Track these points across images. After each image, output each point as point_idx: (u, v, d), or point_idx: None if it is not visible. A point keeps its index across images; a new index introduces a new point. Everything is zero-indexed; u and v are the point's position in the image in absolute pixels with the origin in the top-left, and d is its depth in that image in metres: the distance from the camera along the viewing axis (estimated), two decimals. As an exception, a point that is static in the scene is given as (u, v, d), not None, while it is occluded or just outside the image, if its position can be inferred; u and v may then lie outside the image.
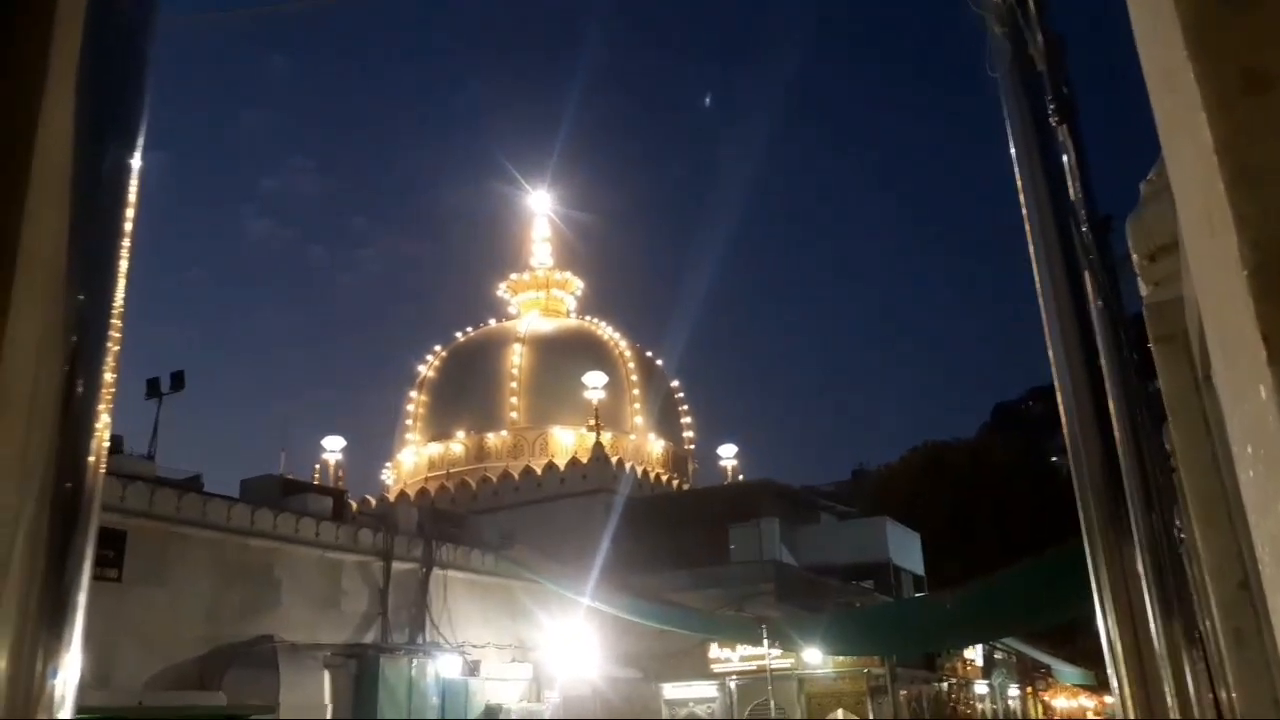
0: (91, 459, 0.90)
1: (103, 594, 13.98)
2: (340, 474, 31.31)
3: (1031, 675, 33.74)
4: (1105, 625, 3.16)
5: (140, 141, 0.94)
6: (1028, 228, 3.38)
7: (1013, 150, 3.53)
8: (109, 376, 0.93)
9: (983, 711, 27.70)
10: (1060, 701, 34.56)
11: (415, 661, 18.71)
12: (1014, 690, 32.22)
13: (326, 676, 16.09)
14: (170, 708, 12.45)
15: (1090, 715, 33.44)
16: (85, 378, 0.87)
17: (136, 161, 0.94)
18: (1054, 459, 70.37)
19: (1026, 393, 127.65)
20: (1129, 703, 2.93)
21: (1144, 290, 3.14)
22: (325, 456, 32.65)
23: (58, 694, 0.74)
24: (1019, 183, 3.48)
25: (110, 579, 14.27)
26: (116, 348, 0.95)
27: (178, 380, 22.14)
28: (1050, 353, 3.45)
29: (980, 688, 28.40)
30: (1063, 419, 3.57)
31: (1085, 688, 33.84)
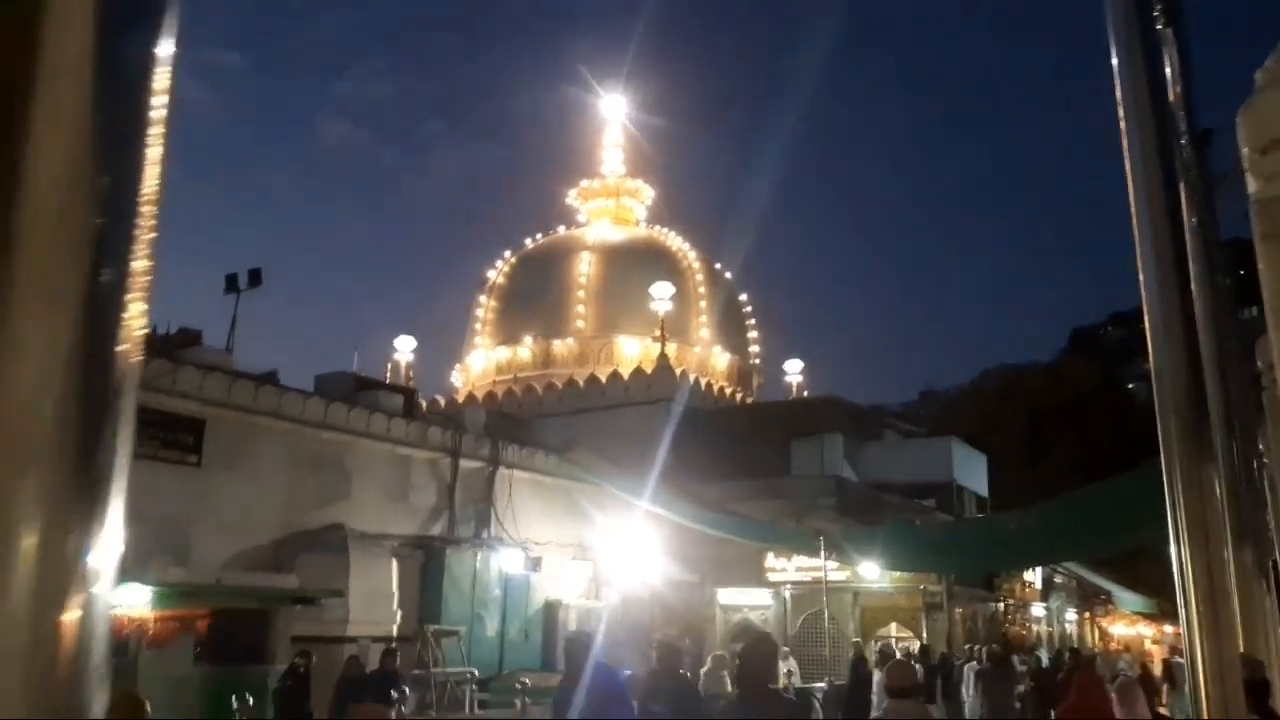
0: (123, 347, 0.87)
1: (182, 478, 14.65)
2: (410, 374, 31.97)
3: (1090, 601, 33.54)
4: (1177, 551, 3.08)
5: (170, 26, 0.89)
6: (1124, 140, 3.18)
7: (1114, 58, 3.31)
8: (141, 264, 0.89)
9: (1038, 634, 27.68)
10: (1118, 628, 34.43)
11: (480, 555, 19.32)
12: (1071, 614, 32.10)
13: (394, 565, 16.69)
14: (245, 587, 13.07)
15: (1148, 643, 33.22)
16: (111, 263, 0.84)
17: (166, 48, 0.89)
18: (1131, 385, 68.88)
19: (1106, 318, 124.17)
20: (1196, 631, 2.85)
21: (1252, 187, 2.95)
22: (396, 356, 33.36)
23: (91, 570, 0.74)
24: (1118, 92, 3.27)
25: (190, 464, 14.90)
26: (150, 234, 0.91)
27: (255, 277, 22.63)
28: (1140, 270, 3.29)
29: (1037, 610, 28.37)
30: (1148, 336, 3.43)
31: (1145, 615, 33.60)
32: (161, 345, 15.89)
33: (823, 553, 17.83)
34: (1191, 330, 3.26)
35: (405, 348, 33.10)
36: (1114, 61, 3.36)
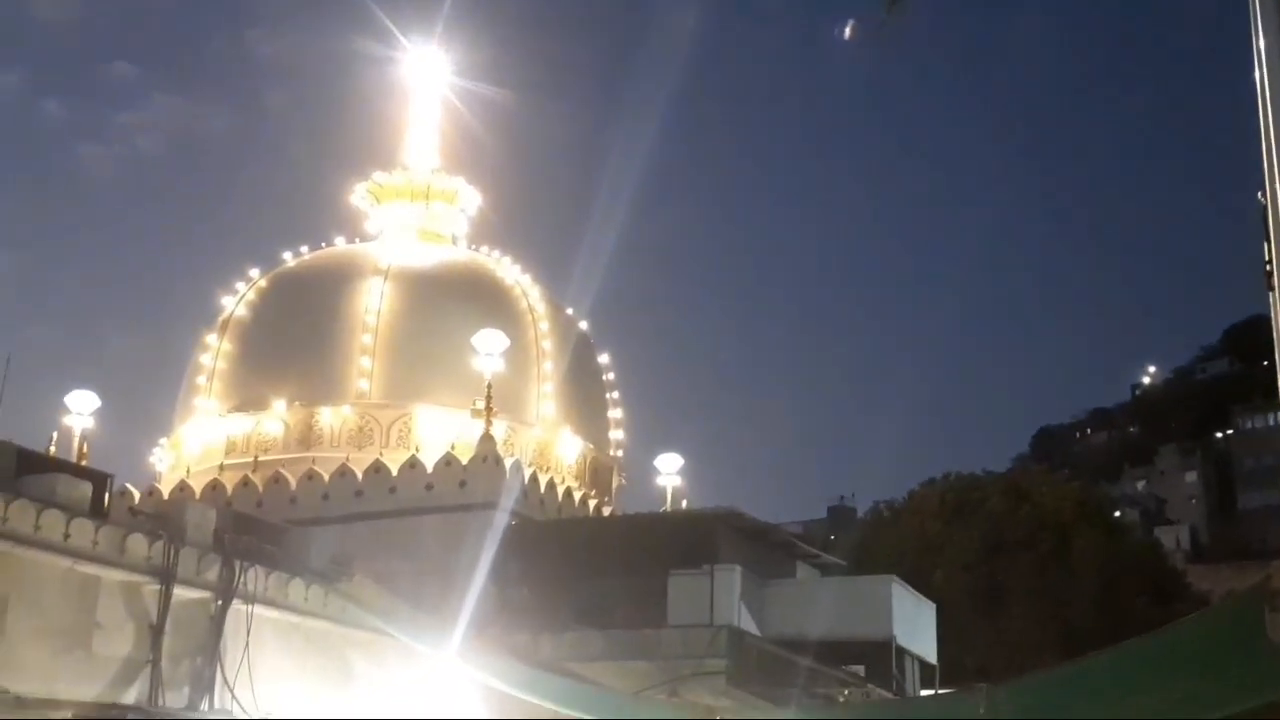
0: None
1: None
2: (84, 449, 30.61)
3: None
4: None
5: None
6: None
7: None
8: None
9: None
10: None
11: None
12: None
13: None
14: None
15: None
16: None
17: None
18: (1118, 512, 72.82)
19: (1084, 415, 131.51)
20: None
21: None
22: (69, 420, 31.88)
23: None
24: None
25: None
26: None
27: None
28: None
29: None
30: None
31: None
32: None
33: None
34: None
35: (83, 407, 31.68)
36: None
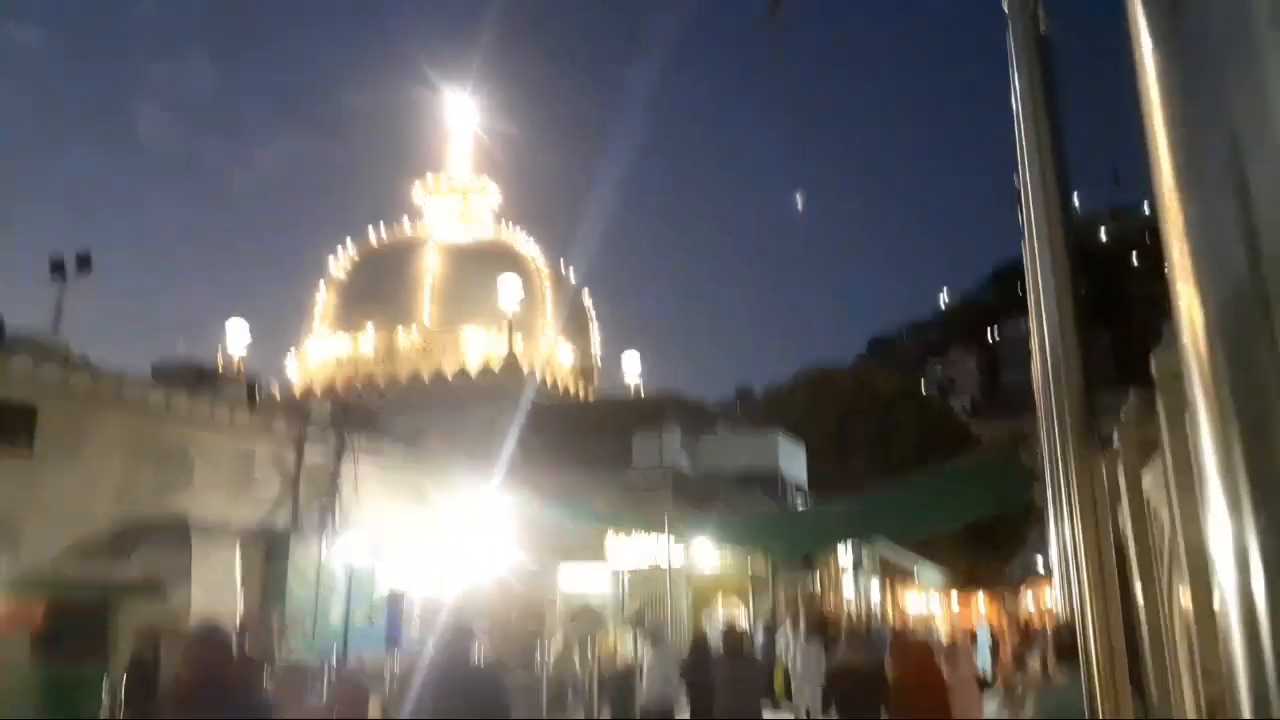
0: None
1: (13, 468, 13.40)
2: (241, 363, 30.36)
3: (892, 576, 35.76)
4: (1063, 529, 3.33)
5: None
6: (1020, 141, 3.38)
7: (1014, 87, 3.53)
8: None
9: (847, 605, 29.14)
10: (912, 600, 36.72)
11: (324, 545, 18.59)
12: (875, 587, 34.10)
13: (238, 555, 15.83)
14: (83, 578, 12.07)
15: (935, 612, 35.50)
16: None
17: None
18: (925, 393, 73.59)
19: (903, 327, 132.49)
20: (1089, 600, 2.99)
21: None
22: (229, 341, 31.60)
23: None
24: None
25: (20, 455, 13.63)
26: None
27: (84, 262, 20.93)
28: (1030, 264, 3.52)
29: (847, 585, 29.94)
30: (1036, 334, 3.68)
31: (938, 588, 36.18)
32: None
33: (666, 532, 18.19)
34: (1081, 329, 3.54)
35: (238, 332, 31.41)
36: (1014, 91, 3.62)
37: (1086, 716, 2.18)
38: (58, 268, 20.75)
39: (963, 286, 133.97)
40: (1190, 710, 3.80)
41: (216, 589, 14.94)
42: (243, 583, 15.74)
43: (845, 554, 29.19)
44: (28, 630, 10.86)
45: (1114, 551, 3.28)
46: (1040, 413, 6.50)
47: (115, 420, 15.33)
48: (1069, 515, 3.33)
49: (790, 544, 21.35)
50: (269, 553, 17.44)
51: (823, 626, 17.68)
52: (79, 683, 10.66)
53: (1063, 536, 3.83)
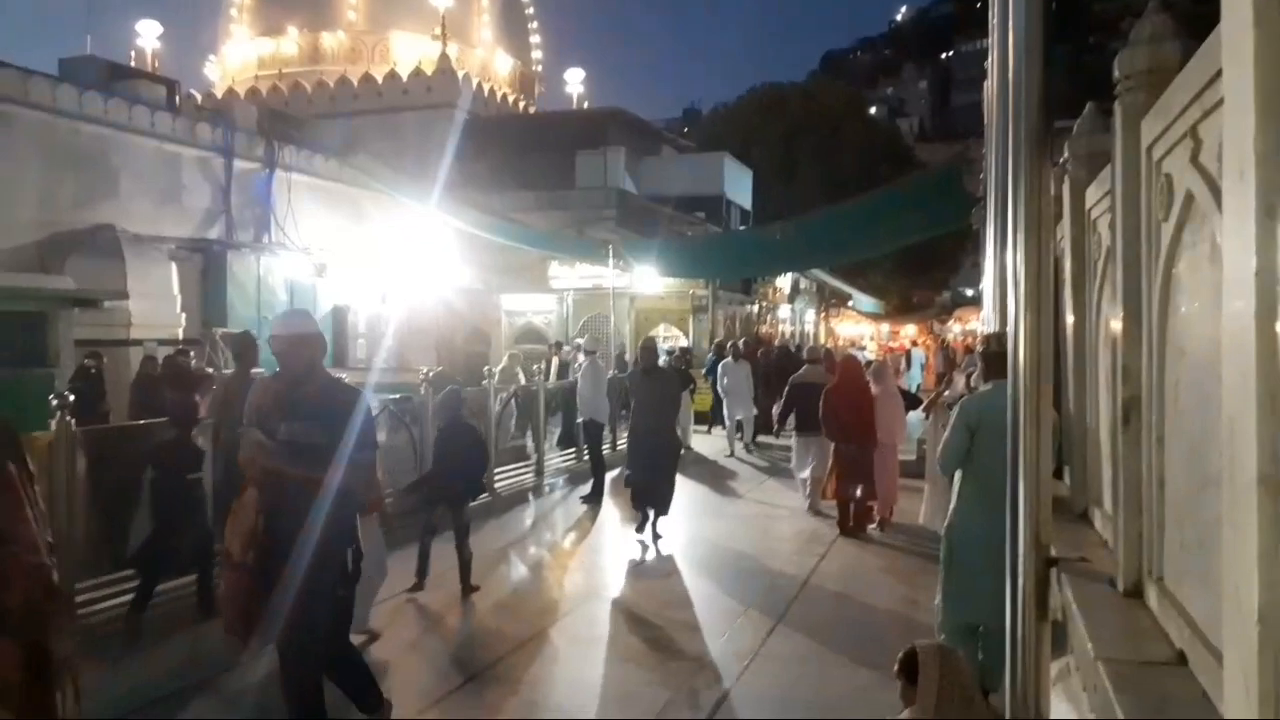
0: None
1: (-82, 170, 12.80)
2: (156, 64, 28.51)
3: (827, 304, 37.17)
4: (1004, 242, 3.48)
5: None
6: None
7: None
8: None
9: (782, 331, 30.50)
10: (844, 328, 38.52)
11: (262, 259, 18.53)
12: (810, 315, 35.53)
13: (174, 268, 15.73)
14: (20, 288, 11.96)
15: (867, 339, 37.39)
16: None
17: None
18: (874, 109, 72.55)
19: (856, 43, 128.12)
20: (1024, 311, 3.08)
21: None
22: (139, 43, 29.50)
23: None
24: None
25: (-75, 155, 12.97)
26: None
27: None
28: None
29: (784, 311, 31.13)
30: (994, 38, 3.64)
31: (871, 315, 37.80)
32: None
33: (610, 261, 18.43)
34: (1047, 42, 3.51)
35: (150, 33, 29.30)
36: None
37: (1008, 420, 2.41)
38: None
39: (919, 0, 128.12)
40: (1105, 416, 4.22)
41: (154, 301, 14.95)
42: (180, 295, 15.73)
43: (784, 281, 30.11)
44: (-36, 340, 10.88)
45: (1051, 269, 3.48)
46: (991, 130, 6.56)
47: (27, 121, 14.54)
48: (1012, 233, 3.48)
49: (730, 269, 21.85)
50: (205, 267, 17.34)
51: (753, 350, 18.68)
52: (24, 393, 10.83)
53: (1002, 257, 4.01)
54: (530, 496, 11.52)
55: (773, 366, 17.19)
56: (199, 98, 26.74)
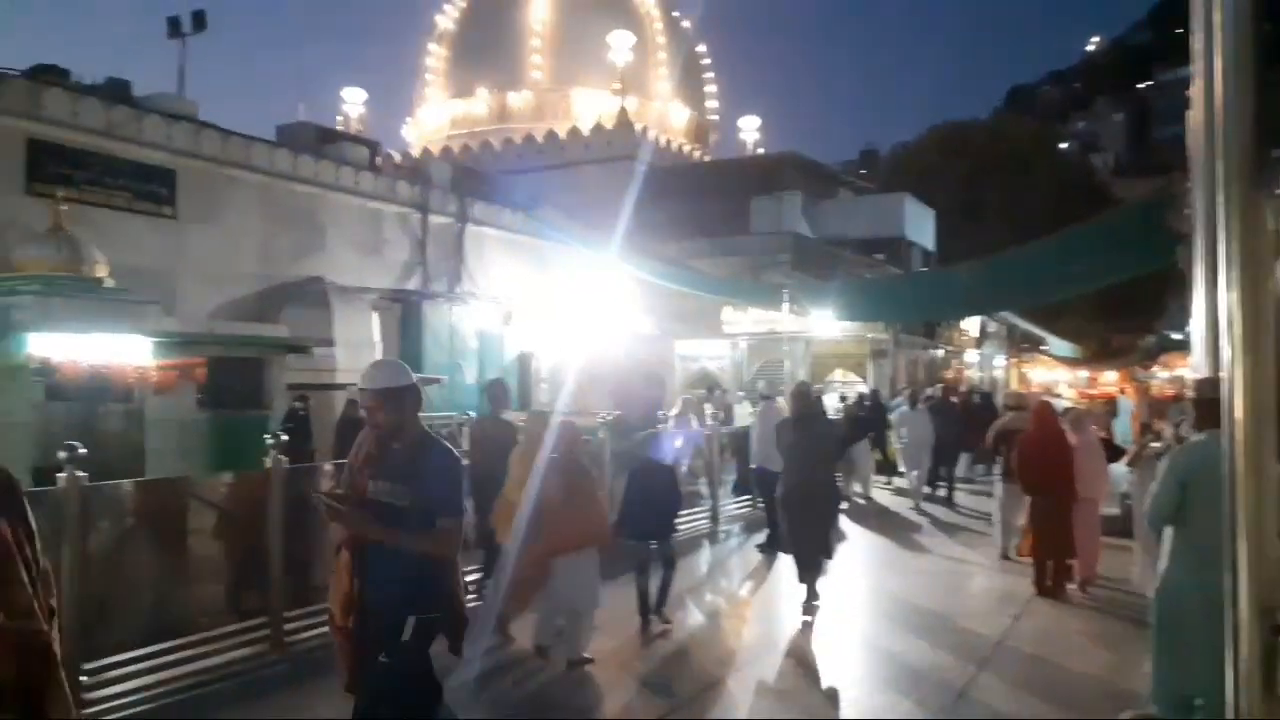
0: None
1: (160, 230, 14.39)
2: (361, 126, 30.92)
3: (1018, 348, 35.43)
4: (1214, 282, 3.25)
5: None
6: None
7: None
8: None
9: (968, 376, 29.32)
10: (1037, 373, 36.53)
11: (454, 308, 19.55)
12: (999, 359, 33.96)
13: (375, 317, 16.85)
14: (243, 336, 13.15)
15: (1063, 385, 35.31)
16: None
17: None
18: (1065, 144, 69.34)
19: (1044, 76, 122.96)
20: (1238, 366, 2.89)
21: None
22: (346, 109, 32.12)
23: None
24: None
25: (166, 216, 14.57)
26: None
27: (199, 20, 21.24)
28: None
29: (970, 356, 29.93)
30: (1197, 64, 3.44)
31: (1067, 361, 35.72)
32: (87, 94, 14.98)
33: (785, 304, 18.35)
34: (1260, 65, 3.29)
35: (356, 100, 31.86)
36: None
37: (1224, 473, 2.25)
38: (175, 27, 21.15)
39: (1112, 30, 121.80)
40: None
41: (357, 348, 16.05)
42: (381, 342, 16.81)
43: (971, 324, 28.97)
44: (194, 385, 12.03)
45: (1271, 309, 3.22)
46: (1196, 162, 6.13)
47: (249, 183, 16.08)
48: (1224, 271, 3.26)
49: (912, 311, 21.24)
50: (403, 316, 18.47)
51: (946, 397, 17.91)
52: (242, 432, 11.83)
53: (1212, 297, 3.75)
54: (706, 542, 11.52)
55: (973, 414, 16.62)
56: (398, 157, 28.76)
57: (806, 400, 8.39)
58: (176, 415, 11.98)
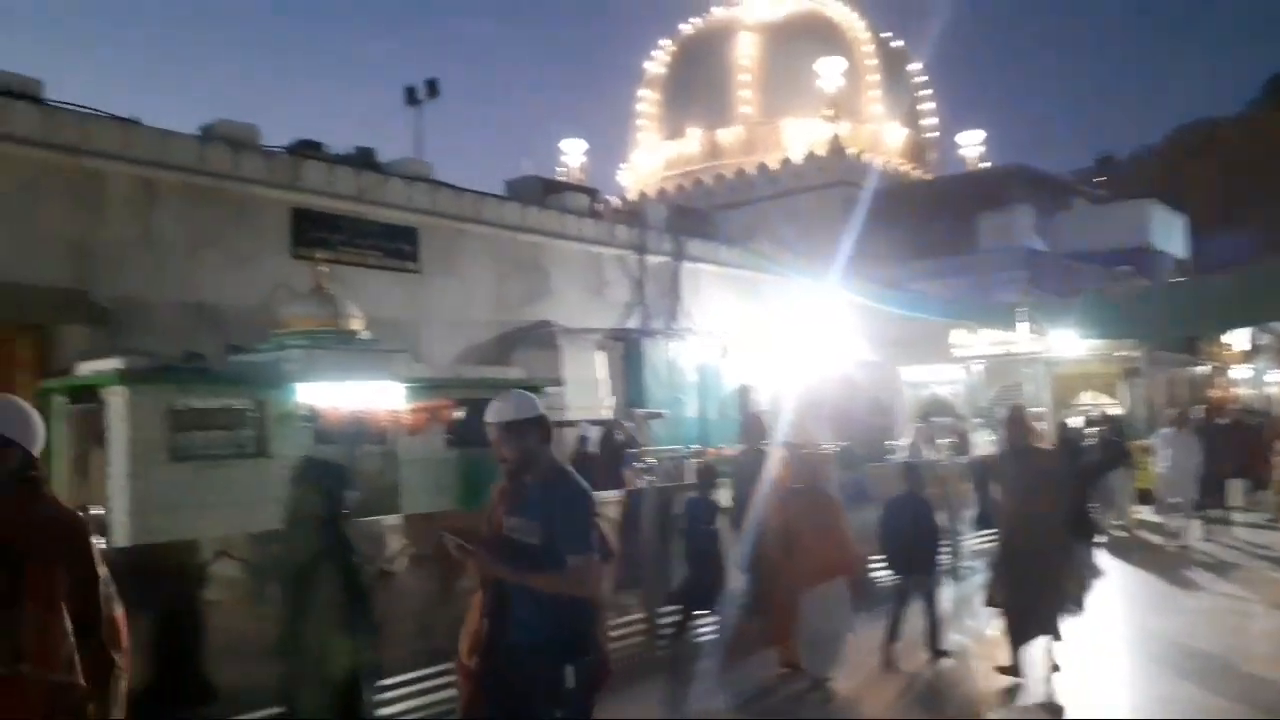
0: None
1: (405, 284, 15.62)
2: (582, 175, 32.30)
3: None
4: None
5: None
6: None
7: None
8: None
9: (1238, 396, 26.51)
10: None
11: (673, 344, 19.93)
12: (1274, 374, 30.50)
13: (600, 356, 17.46)
14: (481, 379, 13.97)
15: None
16: None
17: None
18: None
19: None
20: None
21: None
22: (566, 159, 33.68)
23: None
24: None
25: (410, 270, 15.82)
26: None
27: (432, 88, 22.98)
28: None
29: (1239, 373, 27.06)
30: None
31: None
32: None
33: (1018, 323, 17.39)
34: None
35: (575, 150, 33.34)
36: None
37: None
38: (411, 96, 23.00)
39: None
40: None
41: (584, 387, 16.68)
42: (606, 380, 17.39)
43: (1238, 337, 26.21)
44: (441, 427, 12.87)
45: None
46: None
47: (481, 235, 17.18)
48: None
49: (1166, 326, 19.53)
50: (625, 353, 19.03)
51: (1210, 416, 16.26)
52: (481, 471, 12.49)
53: None
54: (949, 579, 11.00)
55: (1248, 436, 15.18)
56: (616, 202, 29.79)
57: (1023, 427, 6.94)
58: (427, 455, 12.85)
